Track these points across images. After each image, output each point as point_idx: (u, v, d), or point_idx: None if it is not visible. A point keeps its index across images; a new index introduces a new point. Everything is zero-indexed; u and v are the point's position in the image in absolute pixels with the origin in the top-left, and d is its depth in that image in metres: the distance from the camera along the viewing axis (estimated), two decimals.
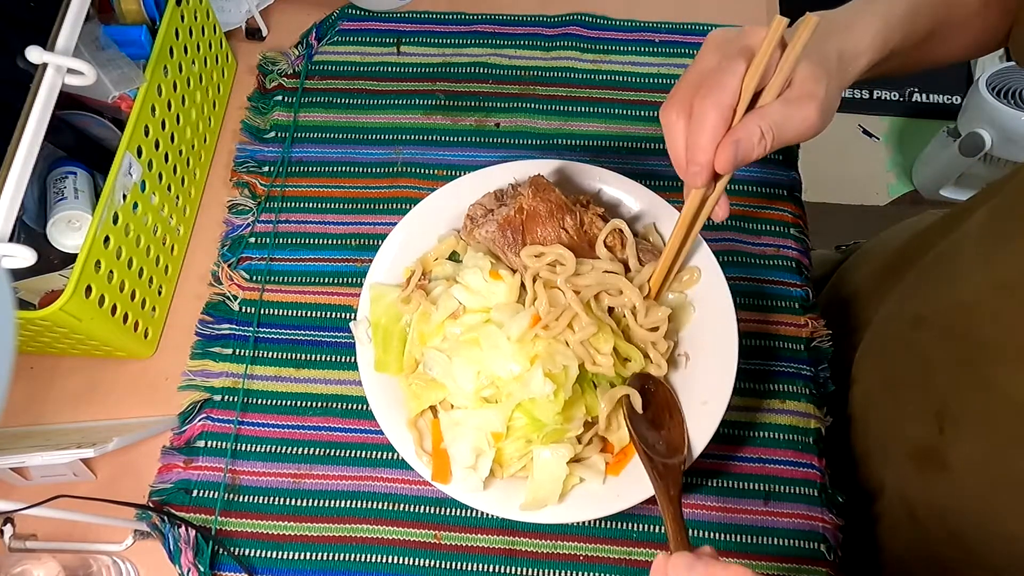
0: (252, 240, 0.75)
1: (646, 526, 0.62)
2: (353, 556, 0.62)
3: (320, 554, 0.62)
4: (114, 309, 0.62)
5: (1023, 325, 0.48)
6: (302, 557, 0.62)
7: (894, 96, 1.98)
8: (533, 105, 0.81)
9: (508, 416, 0.55)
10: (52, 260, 0.63)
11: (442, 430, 0.57)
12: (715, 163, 0.45)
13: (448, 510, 0.63)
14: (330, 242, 0.75)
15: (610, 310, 0.59)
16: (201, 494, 0.64)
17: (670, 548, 0.48)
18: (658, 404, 0.58)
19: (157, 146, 0.67)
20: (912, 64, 0.57)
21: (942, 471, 0.56)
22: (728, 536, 0.62)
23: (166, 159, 0.69)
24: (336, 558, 0.62)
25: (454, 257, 0.65)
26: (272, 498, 0.64)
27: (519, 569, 0.62)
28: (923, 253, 0.64)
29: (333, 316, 0.71)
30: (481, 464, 0.56)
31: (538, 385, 0.53)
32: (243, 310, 0.72)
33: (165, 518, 0.62)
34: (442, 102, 0.82)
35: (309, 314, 0.72)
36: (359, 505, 0.64)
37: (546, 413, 0.54)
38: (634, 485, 0.57)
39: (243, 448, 0.66)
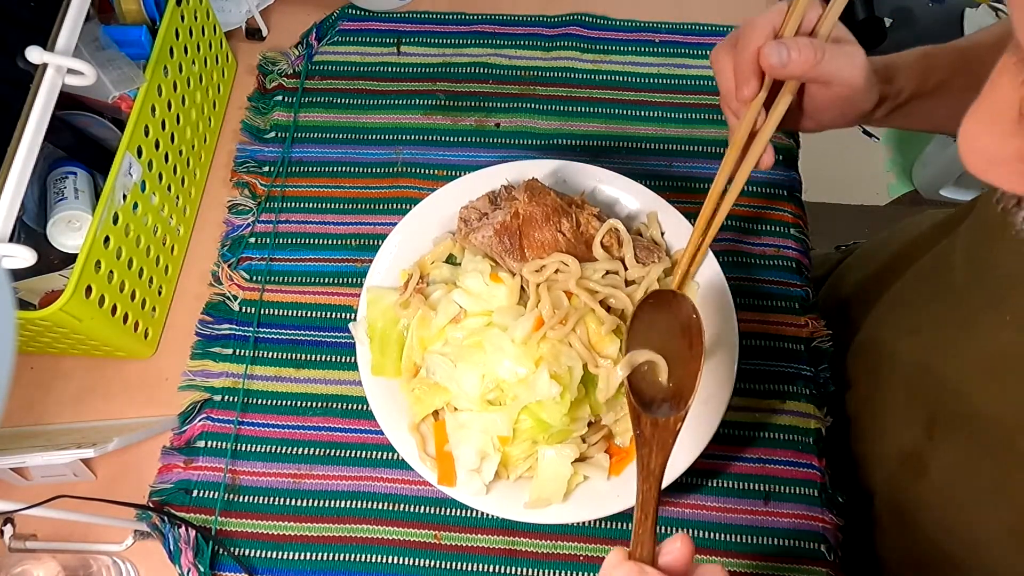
0: (252, 240, 0.75)
1: None
2: (353, 556, 0.62)
3: (320, 554, 0.62)
4: (114, 309, 0.62)
5: (978, 349, 0.48)
6: (302, 557, 0.62)
7: None
8: (533, 105, 0.81)
9: (514, 419, 0.55)
10: (52, 260, 0.63)
11: (448, 432, 0.57)
12: (761, 62, 0.47)
13: (448, 510, 0.63)
14: (330, 242, 0.75)
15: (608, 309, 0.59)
16: (201, 494, 0.64)
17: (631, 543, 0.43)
18: (676, 329, 0.51)
19: (157, 146, 0.67)
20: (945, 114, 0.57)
21: (923, 477, 0.56)
22: (728, 536, 0.62)
23: (166, 159, 0.69)
24: (336, 558, 0.62)
25: (451, 260, 0.64)
26: (272, 498, 0.64)
27: (519, 569, 0.62)
28: (916, 259, 0.64)
29: (333, 316, 0.71)
30: (486, 468, 0.56)
31: (544, 387, 0.53)
32: (243, 310, 0.72)
33: (165, 518, 0.62)
34: (442, 102, 0.82)
35: (309, 314, 0.71)
36: (359, 505, 0.64)
37: (553, 415, 0.54)
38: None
39: (243, 448, 0.66)
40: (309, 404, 0.68)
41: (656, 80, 0.83)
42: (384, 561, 0.62)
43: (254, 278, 0.73)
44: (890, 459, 0.62)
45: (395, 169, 0.78)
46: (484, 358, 0.56)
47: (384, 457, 0.65)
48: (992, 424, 0.49)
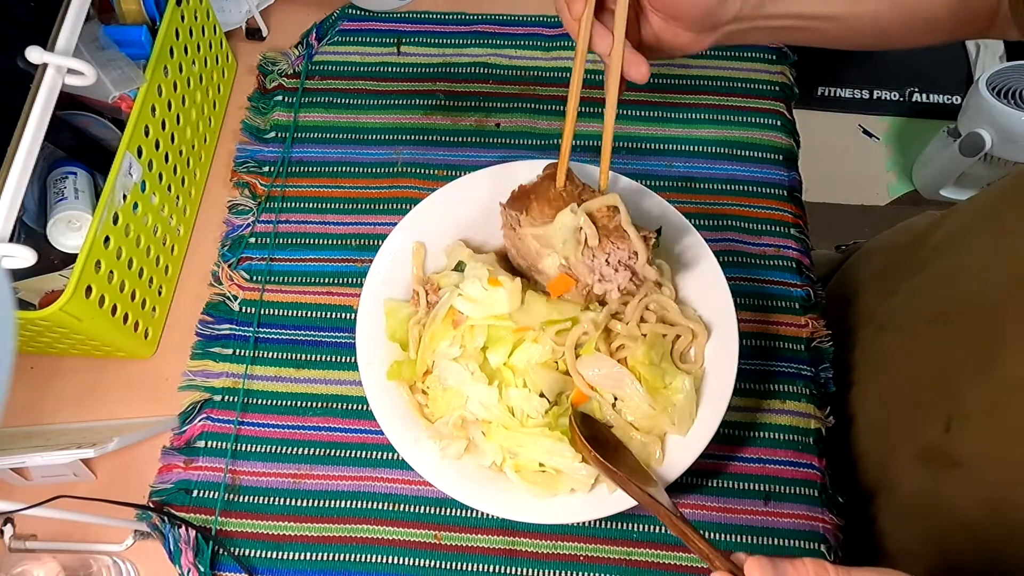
0: (252, 240, 0.75)
1: (646, 526, 0.62)
2: (353, 556, 0.62)
3: (320, 554, 0.62)
4: (114, 309, 0.62)
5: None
6: (302, 557, 0.62)
7: (894, 96, 1.98)
8: (533, 105, 0.81)
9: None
10: (52, 260, 0.63)
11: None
12: None
13: (448, 510, 0.63)
14: (330, 242, 0.75)
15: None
16: (201, 494, 0.64)
17: (712, 565, 0.45)
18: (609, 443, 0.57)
19: (157, 146, 0.67)
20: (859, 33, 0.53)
21: (953, 467, 0.56)
22: (728, 536, 0.62)
23: (166, 159, 0.69)
24: (336, 558, 0.62)
25: (460, 267, 0.65)
26: (272, 498, 0.64)
27: (519, 569, 0.62)
28: (929, 253, 0.64)
29: (333, 316, 0.71)
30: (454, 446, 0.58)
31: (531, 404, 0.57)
32: (243, 310, 0.72)
33: (165, 518, 0.62)
34: (442, 102, 0.82)
35: (309, 314, 0.71)
36: (359, 505, 0.64)
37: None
38: None
39: (243, 448, 0.66)
40: (309, 404, 0.68)
41: (656, 80, 0.82)
42: (384, 561, 0.62)
43: (254, 278, 0.73)
44: (907, 455, 0.61)
45: (395, 169, 0.78)
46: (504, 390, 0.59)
47: (384, 457, 0.65)
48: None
